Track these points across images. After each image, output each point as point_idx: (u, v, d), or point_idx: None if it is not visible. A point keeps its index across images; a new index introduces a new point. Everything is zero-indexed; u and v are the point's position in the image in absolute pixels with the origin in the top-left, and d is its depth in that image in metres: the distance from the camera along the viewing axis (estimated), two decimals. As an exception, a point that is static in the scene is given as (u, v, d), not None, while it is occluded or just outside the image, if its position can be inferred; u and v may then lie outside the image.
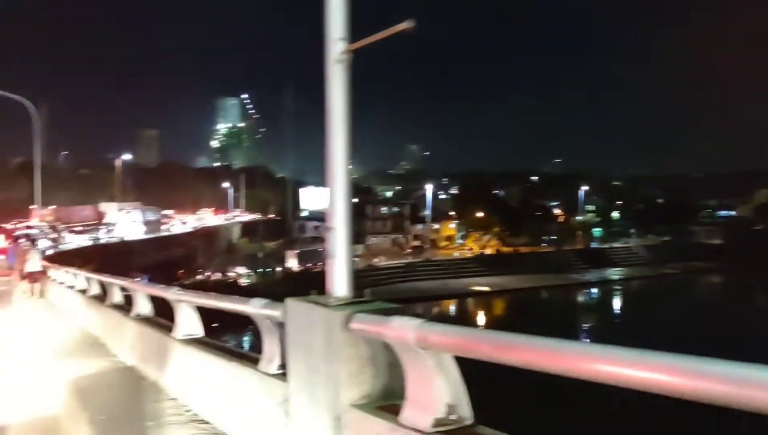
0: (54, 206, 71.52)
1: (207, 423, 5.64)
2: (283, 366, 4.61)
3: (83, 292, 14.90)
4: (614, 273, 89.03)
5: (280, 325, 4.70)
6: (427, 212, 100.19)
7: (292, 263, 75.71)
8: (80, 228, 72.09)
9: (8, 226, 59.14)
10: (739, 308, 60.36)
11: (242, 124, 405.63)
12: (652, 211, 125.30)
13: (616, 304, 74.32)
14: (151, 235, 75.73)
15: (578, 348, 2.38)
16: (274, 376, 4.63)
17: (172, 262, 65.28)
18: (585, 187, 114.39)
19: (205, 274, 68.44)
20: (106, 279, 12.54)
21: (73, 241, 59.82)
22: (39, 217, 39.45)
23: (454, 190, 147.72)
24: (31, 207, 49.04)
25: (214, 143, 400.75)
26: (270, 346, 4.86)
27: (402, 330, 3.13)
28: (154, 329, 7.98)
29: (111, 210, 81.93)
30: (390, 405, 3.51)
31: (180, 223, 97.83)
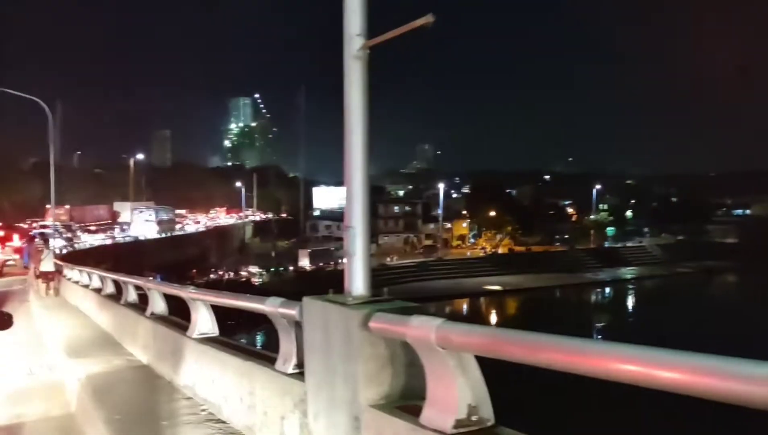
0: (68, 206, 72.14)
1: (223, 422, 5.61)
2: (299, 365, 4.57)
3: (98, 290, 14.96)
4: (628, 272, 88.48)
5: (297, 324, 4.67)
6: (440, 211, 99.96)
7: (305, 262, 75.81)
8: (94, 227, 72.73)
9: (23, 225, 59.77)
10: (755, 308, 59.67)
11: (254, 124, 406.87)
12: (666, 210, 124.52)
13: (631, 303, 73.86)
14: (165, 235, 76.14)
15: (611, 348, 2.30)
16: (290, 375, 4.59)
17: (185, 262, 65.61)
18: (598, 186, 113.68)
19: (218, 273, 68.68)
20: (121, 278, 12.56)
21: (88, 241, 60.31)
22: (54, 216, 39.72)
23: (466, 190, 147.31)
24: (46, 206, 49.47)
25: (227, 143, 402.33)
26: (286, 346, 4.82)
27: (423, 329, 3.08)
28: (169, 328, 7.96)
29: (125, 209, 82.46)
30: (409, 405, 3.46)
31: (193, 223, 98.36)
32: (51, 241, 32.13)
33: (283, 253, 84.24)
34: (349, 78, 4.00)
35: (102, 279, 15.02)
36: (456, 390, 3.02)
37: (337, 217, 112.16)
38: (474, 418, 3.04)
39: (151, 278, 14.00)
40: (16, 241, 43.50)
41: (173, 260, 63.44)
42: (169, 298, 9.23)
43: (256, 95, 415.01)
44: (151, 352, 8.64)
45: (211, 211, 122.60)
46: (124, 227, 76.38)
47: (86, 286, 16.77)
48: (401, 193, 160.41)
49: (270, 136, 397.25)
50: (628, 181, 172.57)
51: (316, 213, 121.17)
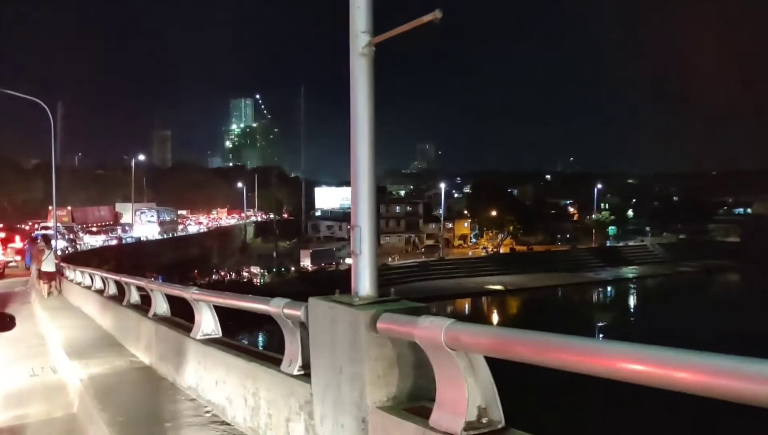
0: (70, 207, 72.16)
1: (227, 425, 5.56)
2: (305, 367, 4.53)
3: (100, 292, 14.92)
4: (629, 271, 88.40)
5: (302, 325, 4.62)
6: (441, 211, 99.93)
7: (306, 263, 75.78)
8: (96, 228, 72.77)
9: (25, 227, 59.81)
10: (758, 306, 59.51)
11: (255, 125, 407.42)
12: (667, 209, 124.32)
13: (633, 302, 73.77)
14: (167, 235, 76.14)
15: (626, 349, 2.25)
16: (296, 377, 4.54)
17: (187, 262, 65.59)
18: (599, 186, 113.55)
19: (220, 273, 68.64)
20: (123, 279, 12.53)
21: (90, 242, 60.32)
22: (56, 217, 39.71)
23: (467, 189, 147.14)
24: (49, 208, 49.46)
25: (228, 143, 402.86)
26: (292, 347, 4.77)
27: (433, 330, 3.03)
28: (173, 329, 7.91)
29: (127, 210, 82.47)
30: (417, 407, 3.42)
31: (195, 223, 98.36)
32: (53, 242, 32.10)
33: (285, 253, 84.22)
34: (355, 76, 3.95)
35: (104, 280, 14.97)
36: (465, 391, 2.97)
37: (338, 217, 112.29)
38: (484, 420, 2.99)
39: (153, 279, 13.97)
40: (18, 242, 43.53)
41: (175, 261, 63.43)
42: (172, 299, 9.20)
43: (257, 96, 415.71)
44: (154, 353, 8.59)
45: (212, 212, 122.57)
46: (126, 228, 76.38)
47: (88, 288, 16.72)
48: (402, 193, 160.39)
49: (271, 136, 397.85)
50: (630, 180, 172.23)
51: (318, 213, 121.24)
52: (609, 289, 79.85)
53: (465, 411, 2.96)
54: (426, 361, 3.39)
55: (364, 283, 3.95)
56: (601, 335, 48.74)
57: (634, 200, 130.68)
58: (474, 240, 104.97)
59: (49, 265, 20.66)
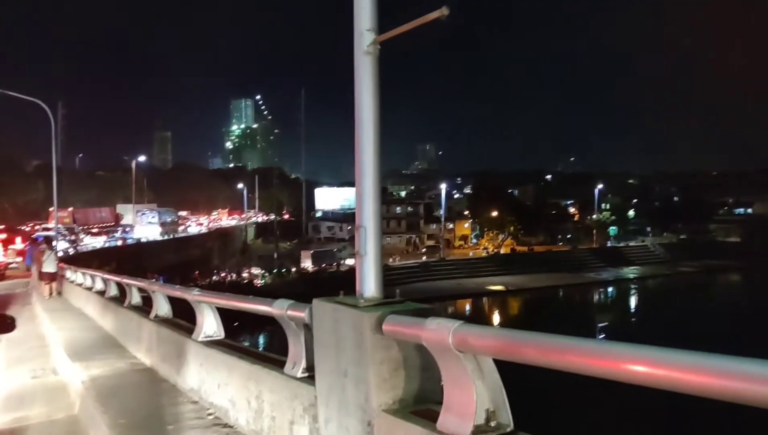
0: (71, 208, 72.15)
1: (230, 427, 5.52)
2: (309, 369, 4.48)
3: (101, 293, 14.89)
4: (630, 271, 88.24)
5: (306, 327, 4.58)
6: (442, 212, 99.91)
7: (307, 264, 75.70)
8: (97, 230, 72.75)
9: (26, 228, 59.77)
10: (761, 306, 59.45)
11: (256, 125, 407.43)
12: (668, 209, 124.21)
13: (634, 302, 73.68)
14: (167, 236, 76.10)
15: (638, 351, 2.20)
16: (300, 379, 4.50)
17: (187, 263, 65.49)
18: (600, 186, 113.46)
19: (221, 274, 68.56)
20: (125, 280, 12.49)
21: (91, 243, 60.31)
22: (57, 219, 39.68)
23: (467, 190, 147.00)
24: (50, 209, 49.44)
25: (228, 144, 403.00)
26: (295, 349, 4.73)
27: (440, 332, 2.98)
28: (174, 331, 7.88)
29: (128, 212, 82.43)
30: (424, 410, 3.37)
31: (196, 224, 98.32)
32: (54, 243, 32.08)
33: (286, 254, 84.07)
34: (359, 74, 3.91)
35: (105, 281, 14.94)
36: (474, 394, 2.93)
37: (339, 217, 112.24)
38: (493, 423, 2.95)
39: (153, 280, 13.94)
40: (19, 243, 43.51)
41: (176, 262, 63.32)
42: (173, 301, 9.16)
43: (258, 96, 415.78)
44: (155, 355, 8.55)
45: (213, 213, 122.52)
46: (127, 229, 76.34)
47: (89, 289, 16.70)
48: (403, 193, 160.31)
49: (271, 137, 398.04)
50: (630, 181, 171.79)
51: (319, 214, 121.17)
52: (610, 289, 79.72)
53: (473, 414, 2.92)
54: (432, 363, 3.34)
55: (369, 285, 3.90)
56: (602, 335, 48.69)
57: (634, 200, 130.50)
58: (475, 240, 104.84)
59: (50, 266, 20.64)
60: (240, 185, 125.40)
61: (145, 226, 75.67)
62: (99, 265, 32.31)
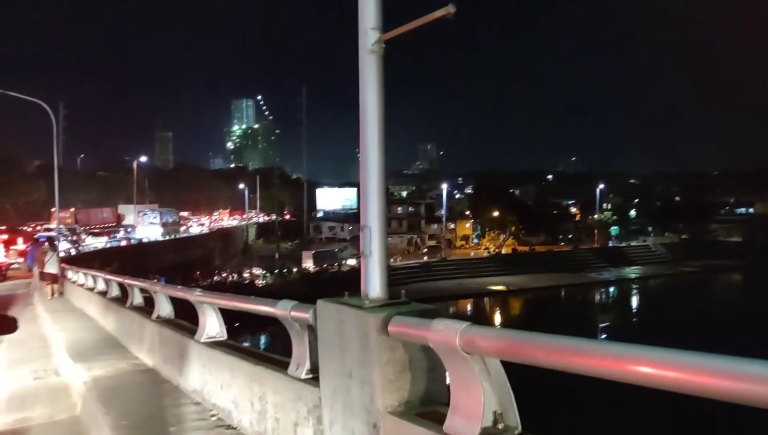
0: (73, 209, 72.16)
1: (233, 429, 5.49)
2: (313, 370, 4.45)
3: (103, 293, 14.87)
4: (632, 271, 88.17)
5: (310, 328, 4.55)
6: (443, 212, 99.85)
7: (308, 264, 75.68)
8: (98, 230, 72.74)
9: (27, 229, 59.78)
10: (761, 306, 59.36)
11: (257, 126, 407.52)
12: (669, 209, 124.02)
13: (636, 302, 73.59)
14: (169, 237, 76.10)
15: (655, 354, 2.16)
16: (304, 381, 4.47)
17: (189, 264, 65.49)
18: (601, 186, 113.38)
19: (222, 275, 68.57)
20: (126, 281, 12.47)
21: (92, 243, 60.30)
22: (59, 219, 39.68)
23: (469, 190, 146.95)
24: (52, 210, 49.43)
25: (230, 145, 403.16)
26: (299, 350, 4.70)
27: (447, 333, 2.95)
28: (176, 332, 7.85)
29: (129, 212, 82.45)
30: (430, 412, 3.34)
31: (198, 225, 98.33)
32: (57, 244, 32.07)
33: (287, 254, 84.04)
34: (364, 73, 3.87)
35: (107, 282, 14.92)
36: (481, 396, 2.90)
37: (340, 218, 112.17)
38: (500, 426, 2.92)
39: (155, 281, 13.91)
40: (21, 244, 43.49)
41: (177, 262, 63.30)
42: (175, 301, 9.14)
43: (259, 97, 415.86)
44: (158, 355, 8.53)
45: (214, 213, 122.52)
46: (129, 229, 76.36)
47: (91, 289, 16.68)
48: (404, 193, 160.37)
49: (272, 137, 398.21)
50: (632, 180, 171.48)
51: (320, 214, 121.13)
52: (612, 289, 79.66)
53: (480, 416, 2.89)
54: (438, 364, 3.32)
55: (374, 285, 3.87)
56: (603, 336, 48.67)
57: (636, 200, 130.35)
58: (476, 240, 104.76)
59: (52, 267, 20.64)
60: (241, 185, 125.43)
61: (146, 226, 75.71)
62: (101, 265, 32.29)
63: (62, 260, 23.08)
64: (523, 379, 3.33)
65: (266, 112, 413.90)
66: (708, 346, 2.14)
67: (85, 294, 17.24)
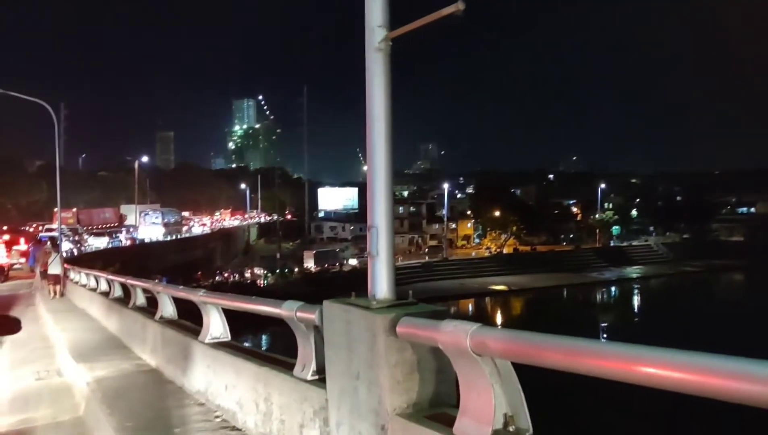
0: (75, 209, 72.14)
1: (238, 430, 5.46)
2: (319, 371, 4.42)
3: (105, 294, 14.85)
4: (633, 271, 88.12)
5: (316, 329, 4.51)
6: (444, 212, 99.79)
7: (310, 264, 75.69)
8: (99, 230, 72.71)
9: (29, 229, 59.74)
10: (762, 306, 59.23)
11: (258, 126, 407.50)
12: (671, 209, 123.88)
13: (637, 302, 73.51)
14: (170, 237, 76.10)
15: (677, 357, 2.12)
16: (310, 382, 4.43)
17: (190, 264, 65.48)
18: (602, 185, 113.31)
19: (224, 275, 68.56)
20: (129, 281, 12.44)
21: (94, 244, 60.26)
22: (61, 220, 39.66)
23: (470, 190, 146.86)
24: (54, 210, 49.43)
25: (231, 145, 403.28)
26: (305, 351, 4.66)
27: (457, 335, 2.91)
28: (180, 332, 7.82)
29: (131, 212, 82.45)
30: (439, 414, 3.31)
31: (199, 225, 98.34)
32: (60, 245, 32.06)
33: (288, 254, 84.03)
34: (370, 72, 3.84)
35: (109, 282, 14.90)
36: (492, 398, 2.86)
37: (341, 218, 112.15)
38: (511, 428, 2.88)
39: (157, 281, 13.89)
40: (23, 244, 43.45)
41: (178, 263, 63.28)
42: (176, 302, 9.11)
43: (260, 97, 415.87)
44: (161, 356, 8.50)
45: (215, 213, 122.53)
46: (131, 230, 76.35)
47: (93, 290, 16.67)
48: (406, 193, 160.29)
49: (274, 137, 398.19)
50: (633, 180, 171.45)
51: (321, 214, 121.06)
52: (613, 289, 79.60)
53: (491, 418, 2.85)
54: (447, 366, 3.28)
55: (382, 286, 3.84)
56: (604, 336, 48.64)
57: (637, 200, 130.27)
58: (477, 240, 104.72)
59: (55, 268, 20.64)
60: (242, 185, 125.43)
61: (148, 226, 75.73)
62: (103, 265, 32.28)
63: (65, 261, 23.06)
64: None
65: (267, 112, 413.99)
66: (707, 347, 2.10)
67: (87, 294, 17.22)
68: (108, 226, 75.46)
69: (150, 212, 79.19)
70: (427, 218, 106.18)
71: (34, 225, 64.66)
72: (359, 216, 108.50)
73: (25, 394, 8.83)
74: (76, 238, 58.28)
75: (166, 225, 77.50)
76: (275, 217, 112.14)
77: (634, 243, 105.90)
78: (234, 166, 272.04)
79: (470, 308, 65.80)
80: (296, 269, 73.76)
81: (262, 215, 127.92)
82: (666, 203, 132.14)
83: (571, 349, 2.51)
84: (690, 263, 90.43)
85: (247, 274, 70.11)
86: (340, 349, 3.87)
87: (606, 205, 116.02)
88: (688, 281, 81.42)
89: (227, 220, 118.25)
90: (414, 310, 3.53)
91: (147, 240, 70.91)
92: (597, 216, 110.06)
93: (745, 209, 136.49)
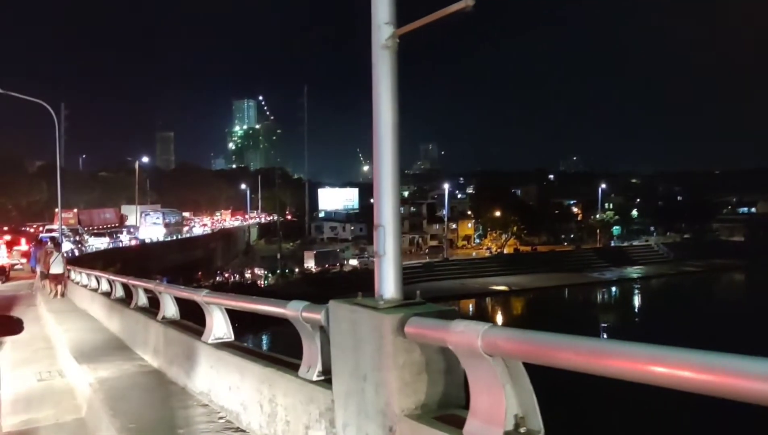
0: (76, 209, 72.16)
1: (242, 431, 5.42)
2: (325, 372, 4.38)
3: (107, 294, 14.81)
4: (634, 271, 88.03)
5: (322, 329, 4.47)
6: (445, 212, 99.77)
7: (310, 264, 75.70)
8: (99, 230, 72.70)
9: (30, 229, 59.71)
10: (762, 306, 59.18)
11: (258, 126, 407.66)
12: (671, 209, 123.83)
13: (638, 302, 73.48)
14: (171, 237, 76.11)
15: (693, 357, 2.08)
16: (315, 383, 4.39)
17: (191, 264, 65.48)
18: (603, 185, 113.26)
19: (224, 275, 68.56)
20: (131, 281, 12.39)
21: (95, 244, 60.26)
22: (62, 220, 39.65)
23: (470, 190, 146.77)
24: (55, 210, 49.43)
25: (231, 145, 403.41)
26: (311, 352, 4.62)
27: (468, 335, 2.87)
28: (182, 333, 7.78)
29: (132, 212, 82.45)
30: (448, 415, 3.27)
31: (200, 225, 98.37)
32: (62, 245, 32.03)
33: (289, 254, 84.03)
34: (377, 69, 3.80)
35: (111, 283, 14.85)
36: (503, 399, 2.82)
37: (341, 218, 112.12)
38: (522, 429, 2.84)
39: (157, 281, 13.85)
40: (24, 245, 43.44)
41: (179, 263, 63.27)
42: (178, 302, 9.07)
43: (260, 97, 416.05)
44: (163, 357, 8.45)
45: (216, 214, 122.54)
46: (131, 230, 76.35)
47: (95, 290, 16.63)
48: (406, 193, 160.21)
49: (274, 137, 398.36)
50: (633, 180, 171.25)
51: (321, 214, 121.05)
52: (614, 289, 79.56)
53: (502, 420, 2.81)
54: (456, 366, 3.25)
55: (389, 286, 3.80)
56: (605, 336, 48.57)
57: (638, 200, 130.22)
58: (478, 240, 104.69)
59: (57, 268, 20.62)
60: (243, 186, 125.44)
61: (149, 226, 75.73)
62: (104, 266, 32.27)
63: (66, 261, 23.03)
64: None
65: (267, 113, 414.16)
66: (708, 347, 2.06)
67: (88, 295, 17.18)
68: (109, 226, 75.43)
69: (151, 213, 79.21)
70: (427, 218, 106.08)
71: (35, 225, 64.63)
72: (360, 216, 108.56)
73: (27, 395, 8.79)
74: (77, 238, 58.26)
75: (167, 225, 77.55)
76: (275, 218, 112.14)
77: (635, 243, 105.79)
78: (234, 166, 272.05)
79: (471, 308, 65.76)
80: (297, 270, 73.77)
81: (263, 216, 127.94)
82: (666, 203, 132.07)
83: (587, 349, 2.46)
84: (691, 263, 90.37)
85: (248, 275, 70.11)
86: (346, 349, 3.83)
87: (606, 205, 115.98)
88: (689, 281, 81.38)
89: (228, 220, 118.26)
90: (422, 310, 3.49)
91: (148, 240, 70.88)
92: (597, 216, 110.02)
93: (745, 209, 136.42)
